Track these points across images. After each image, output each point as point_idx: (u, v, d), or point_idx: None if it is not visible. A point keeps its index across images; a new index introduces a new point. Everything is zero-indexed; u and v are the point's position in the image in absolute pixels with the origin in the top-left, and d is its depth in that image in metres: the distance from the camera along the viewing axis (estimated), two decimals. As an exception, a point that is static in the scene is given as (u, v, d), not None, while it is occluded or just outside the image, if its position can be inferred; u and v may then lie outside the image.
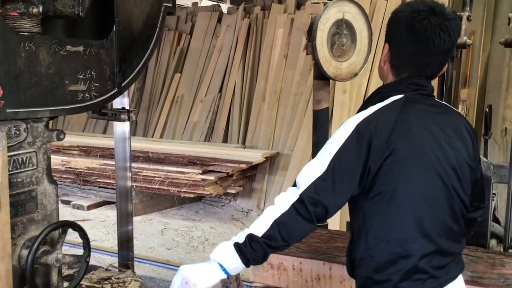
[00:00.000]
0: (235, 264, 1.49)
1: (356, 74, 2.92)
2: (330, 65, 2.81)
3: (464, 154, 1.60)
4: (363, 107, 1.62)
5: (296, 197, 1.49)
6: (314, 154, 3.02)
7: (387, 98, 1.59)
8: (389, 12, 1.75)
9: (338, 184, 1.50)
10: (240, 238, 1.50)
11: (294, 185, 1.55)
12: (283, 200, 1.51)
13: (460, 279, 1.63)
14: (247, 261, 1.49)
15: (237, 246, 1.49)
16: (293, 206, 1.48)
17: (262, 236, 1.47)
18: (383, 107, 1.56)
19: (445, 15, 1.56)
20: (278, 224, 1.47)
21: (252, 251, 1.48)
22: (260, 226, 1.49)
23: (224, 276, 1.50)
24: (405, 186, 1.51)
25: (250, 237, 1.48)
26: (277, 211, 1.49)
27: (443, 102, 1.80)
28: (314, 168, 1.52)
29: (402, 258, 1.52)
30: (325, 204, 1.49)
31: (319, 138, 2.99)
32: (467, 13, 2.51)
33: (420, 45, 1.57)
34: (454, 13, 1.62)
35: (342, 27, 2.80)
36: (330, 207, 1.50)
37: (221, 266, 1.50)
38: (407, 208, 1.52)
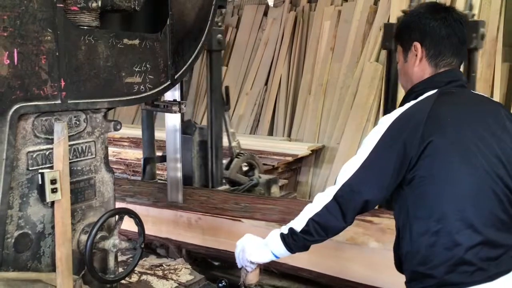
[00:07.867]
0: (281, 250, 1.72)
1: None
2: None
3: (508, 141, 1.57)
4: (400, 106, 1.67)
5: (330, 198, 1.61)
6: None
7: (421, 95, 1.62)
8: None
9: (374, 178, 1.57)
10: (285, 230, 1.71)
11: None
12: (319, 200, 1.65)
13: None
14: (290, 249, 1.71)
15: (282, 236, 1.71)
16: (326, 207, 1.62)
17: (300, 232, 1.66)
18: (416, 103, 1.59)
19: (455, 11, 1.69)
20: (312, 222, 1.64)
21: (294, 241, 1.68)
22: (298, 222, 1.67)
23: (274, 258, 1.75)
24: (444, 178, 1.51)
25: (292, 231, 1.68)
26: (312, 211, 1.65)
27: (479, 93, 1.80)
28: (351, 166, 1.60)
29: (446, 249, 1.49)
30: (361, 198, 1.58)
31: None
32: None
33: (453, 23, 1.64)
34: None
35: None
36: (368, 199, 1.58)
37: (271, 250, 1.74)
38: (448, 199, 1.50)
